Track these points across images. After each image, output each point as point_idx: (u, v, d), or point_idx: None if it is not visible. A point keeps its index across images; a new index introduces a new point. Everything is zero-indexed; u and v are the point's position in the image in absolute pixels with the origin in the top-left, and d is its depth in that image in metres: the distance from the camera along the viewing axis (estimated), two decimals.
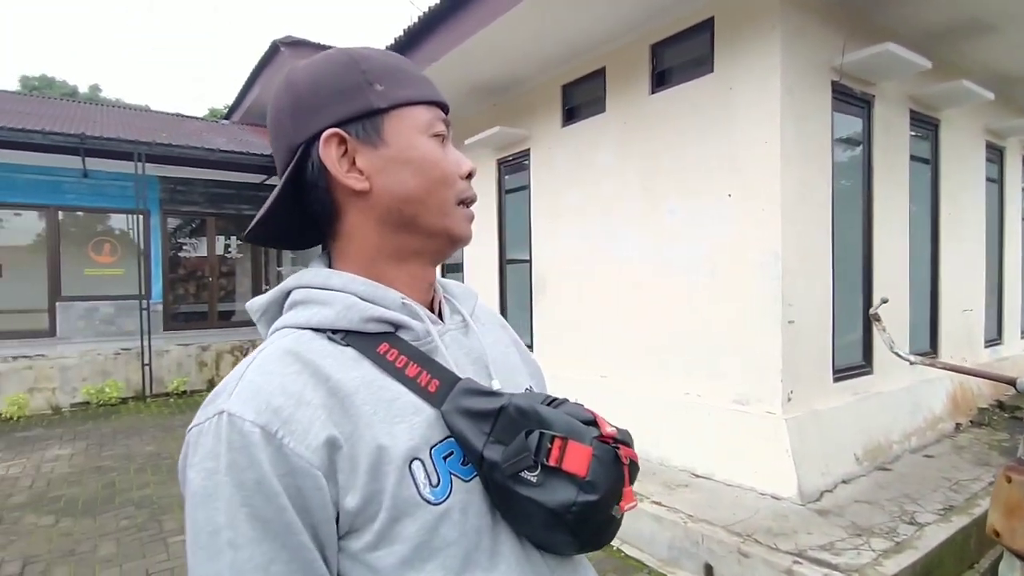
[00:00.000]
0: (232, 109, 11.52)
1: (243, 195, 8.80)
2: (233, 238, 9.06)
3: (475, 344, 0.71)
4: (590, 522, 0.58)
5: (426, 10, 4.60)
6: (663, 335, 4.08)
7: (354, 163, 0.62)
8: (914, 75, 3.98)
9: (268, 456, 0.50)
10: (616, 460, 0.59)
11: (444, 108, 0.68)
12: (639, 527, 3.12)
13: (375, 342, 0.61)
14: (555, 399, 0.63)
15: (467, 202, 0.68)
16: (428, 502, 0.55)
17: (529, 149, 5.39)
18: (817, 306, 3.61)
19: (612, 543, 3.15)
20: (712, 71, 3.73)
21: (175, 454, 5.09)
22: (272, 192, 0.64)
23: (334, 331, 0.61)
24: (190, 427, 0.55)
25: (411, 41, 4.86)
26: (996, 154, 5.71)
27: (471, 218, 0.70)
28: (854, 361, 3.98)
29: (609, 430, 0.61)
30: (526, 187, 5.47)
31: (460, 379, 0.62)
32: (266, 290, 0.76)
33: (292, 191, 0.64)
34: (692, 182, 3.87)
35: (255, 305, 0.68)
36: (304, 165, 0.63)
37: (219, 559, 0.49)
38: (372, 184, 0.63)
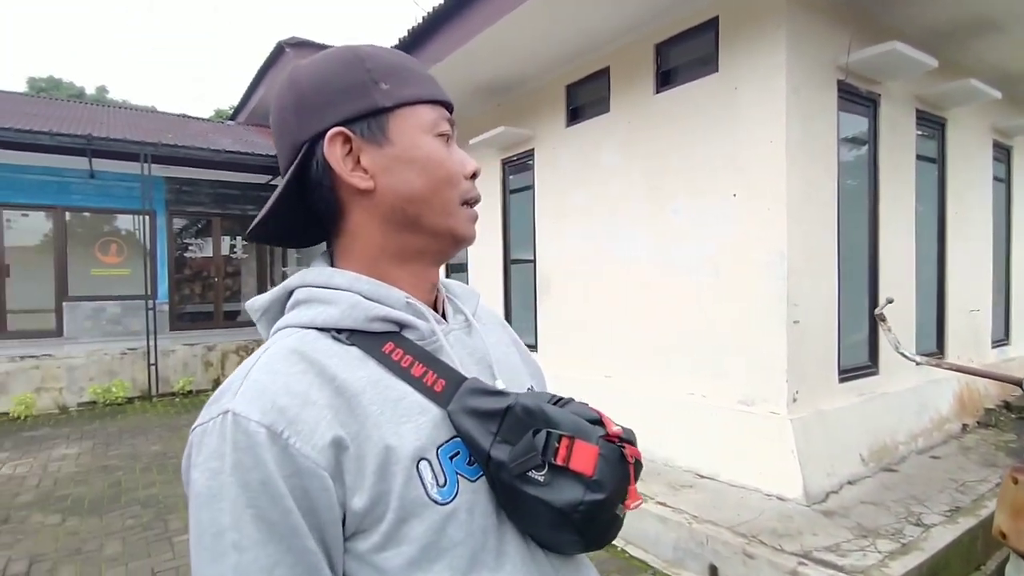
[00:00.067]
0: (237, 110, 11.56)
1: (248, 195, 8.83)
2: (238, 238, 9.10)
3: (478, 344, 0.71)
4: (596, 521, 0.58)
5: (430, 10, 4.61)
6: (668, 335, 4.07)
7: (358, 162, 0.62)
8: (921, 74, 3.96)
9: (273, 456, 0.50)
10: (622, 459, 0.59)
11: (449, 107, 0.68)
12: (644, 528, 3.11)
13: (380, 341, 0.61)
14: (561, 398, 0.63)
15: (471, 202, 0.68)
16: (435, 502, 0.55)
17: (533, 149, 5.39)
18: (823, 306, 3.60)
19: (616, 543, 3.15)
20: (717, 71, 3.72)
21: (181, 453, 5.06)
22: (275, 190, 0.64)
23: (338, 330, 0.60)
24: (194, 426, 0.54)
25: (415, 41, 4.86)
26: (1003, 153, 5.68)
27: (475, 218, 0.69)
28: (860, 361, 3.96)
29: (615, 429, 0.61)
30: (530, 187, 5.47)
31: (466, 379, 0.62)
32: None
33: (296, 189, 0.64)
34: (697, 182, 3.86)
35: (256, 304, 0.67)
36: (308, 163, 0.63)
37: (223, 561, 0.49)
38: (376, 183, 0.62)
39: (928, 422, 4.20)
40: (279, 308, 0.66)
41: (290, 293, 0.65)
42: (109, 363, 7.50)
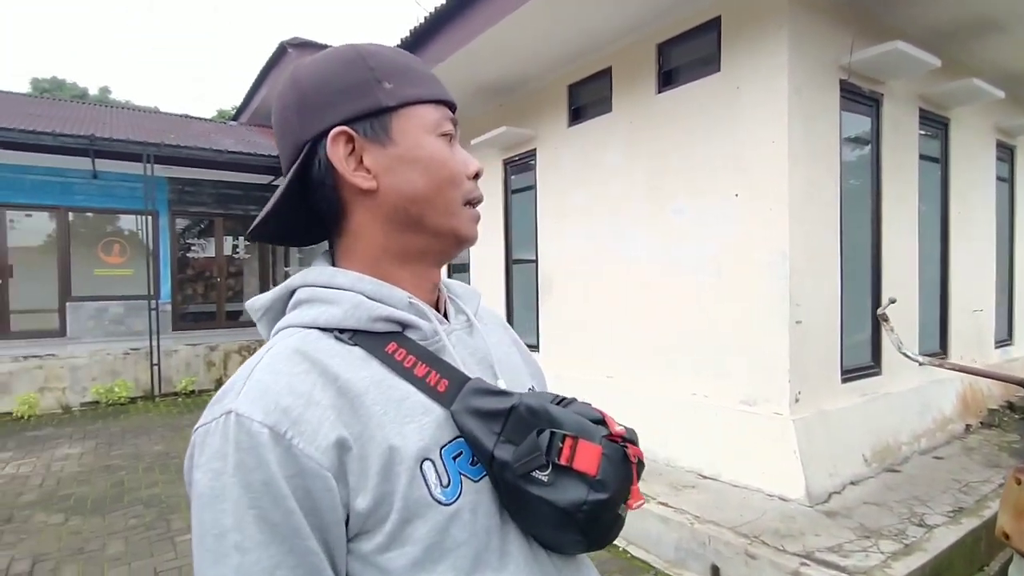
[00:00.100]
0: (240, 110, 11.58)
1: (251, 196, 8.85)
2: (241, 238, 9.11)
3: (480, 344, 0.71)
4: (600, 521, 0.58)
5: (432, 10, 4.61)
6: (670, 335, 4.07)
7: (361, 161, 0.62)
8: (923, 74, 3.95)
9: (277, 457, 0.50)
10: (625, 458, 0.59)
11: (452, 107, 0.68)
12: (646, 528, 3.11)
13: (383, 341, 0.61)
14: (564, 398, 0.63)
15: (474, 202, 0.68)
16: (439, 503, 0.55)
17: (535, 149, 5.39)
18: (825, 306, 3.59)
19: (618, 544, 3.15)
20: (719, 70, 3.72)
21: (183, 453, 5.08)
22: (277, 190, 0.64)
23: (341, 330, 0.60)
24: (196, 427, 0.54)
25: (417, 41, 4.87)
26: (1007, 153, 5.66)
27: (477, 218, 0.69)
28: (862, 362, 3.95)
29: (618, 429, 0.61)
30: (532, 187, 5.47)
31: (469, 379, 0.62)
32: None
33: (298, 189, 0.64)
34: (699, 182, 3.86)
35: (256, 304, 0.67)
36: (310, 162, 0.62)
37: (225, 562, 0.49)
38: (379, 183, 0.62)
39: (931, 422, 4.19)
40: (280, 308, 0.66)
41: (292, 293, 0.65)
42: (112, 363, 7.51)
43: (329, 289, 0.62)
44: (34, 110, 8.29)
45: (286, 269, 9.48)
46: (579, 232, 4.88)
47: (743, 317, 3.59)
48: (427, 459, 0.56)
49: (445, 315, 0.71)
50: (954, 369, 2.25)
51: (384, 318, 0.61)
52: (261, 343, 0.64)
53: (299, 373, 0.55)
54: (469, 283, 0.81)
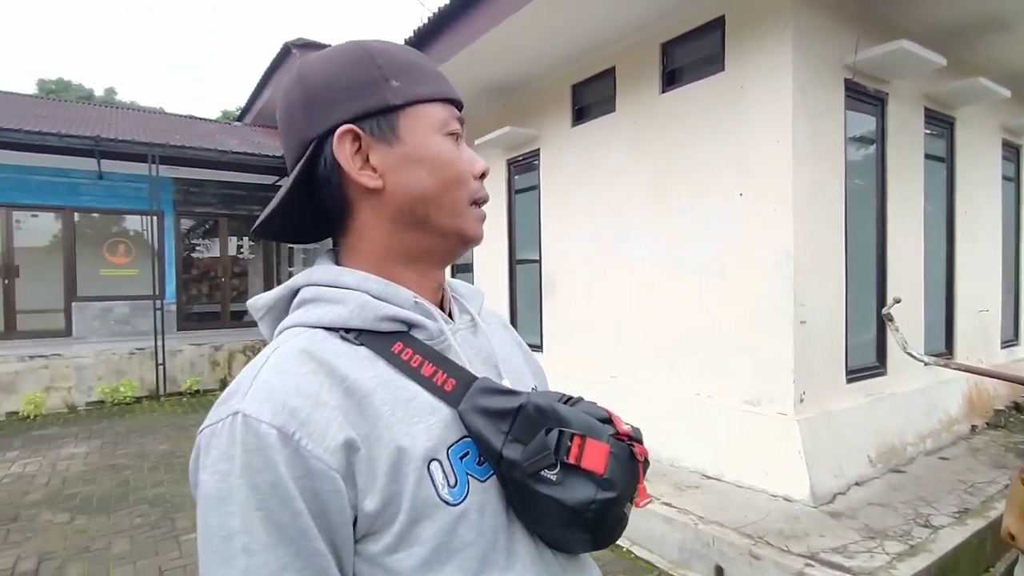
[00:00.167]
0: (244, 111, 11.62)
1: (255, 196, 8.88)
2: (245, 239, 9.15)
3: (484, 344, 0.71)
4: (607, 519, 0.58)
5: (436, 10, 4.62)
6: (674, 335, 4.06)
7: (367, 160, 0.61)
8: (929, 73, 3.93)
9: (284, 458, 0.49)
10: (632, 457, 0.59)
11: (458, 105, 0.67)
12: (649, 528, 3.11)
13: (389, 341, 0.60)
14: (571, 397, 0.63)
15: (480, 202, 0.68)
16: (447, 503, 0.55)
17: (539, 149, 5.39)
18: (830, 306, 3.58)
19: (622, 544, 3.15)
20: (723, 70, 3.71)
21: (188, 453, 5.09)
22: (282, 187, 0.63)
23: (347, 330, 0.60)
24: (202, 428, 0.53)
25: (421, 41, 4.87)
26: (1013, 152, 5.63)
27: (483, 218, 0.69)
28: (867, 362, 3.94)
29: (625, 428, 0.61)
30: (536, 187, 5.47)
31: (476, 378, 0.61)
32: None
33: (303, 186, 0.63)
34: (703, 182, 3.85)
35: (259, 303, 0.66)
36: (316, 160, 0.62)
37: (233, 564, 0.48)
38: (385, 182, 0.62)
39: (937, 423, 4.17)
40: (283, 307, 0.65)
41: (295, 292, 0.64)
42: (117, 363, 7.55)
43: (335, 288, 0.62)
44: (40, 111, 8.34)
45: (290, 269, 9.50)
46: (583, 232, 4.88)
47: (747, 317, 3.58)
48: (434, 459, 0.56)
49: (450, 315, 0.71)
50: (960, 369, 2.24)
51: (390, 318, 0.61)
52: (265, 343, 0.64)
53: (306, 373, 0.54)
54: (473, 283, 0.82)
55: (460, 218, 0.65)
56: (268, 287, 9.09)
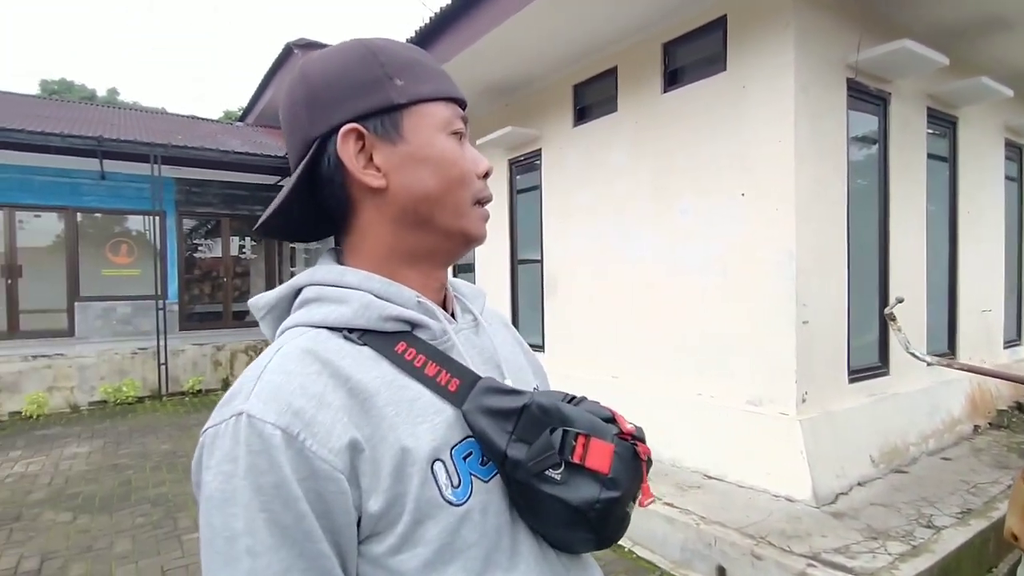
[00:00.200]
0: (246, 111, 11.65)
1: (257, 196, 8.89)
2: (247, 239, 9.16)
3: (486, 343, 0.70)
4: (611, 519, 0.58)
5: (437, 10, 4.62)
6: (676, 335, 4.06)
7: (371, 159, 0.61)
8: (931, 72, 3.93)
9: (289, 459, 0.49)
10: (635, 456, 0.59)
11: (462, 104, 0.67)
12: (651, 528, 3.11)
13: (392, 341, 0.60)
14: (574, 397, 0.63)
15: (483, 202, 0.67)
16: (450, 503, 0.55)
17: (540, 149, 5.39)
18: (832, 306, 3.57)
19: (624, 544, 3.15)
20: (725, 69, 3.71)
21: (190, 452, 5.11)
22: (285, 186, 0.63)
23: (350, 330, 0.59)
24: (205, 428, 0.53)
25: (422, 41, 4.87)
26: (1015, 152, 5.62)
27: (486, 218, 0.68)
28: (870, 362, 3.93)
29: (628, 427, 0.61)
30: (537, 187, 5.47)
31: (480, 378, 0.61)
32: None
33: (306, 185, 0.63)
34: (705, 181, 3.85)
35: (260, 302, 0.65)
36: (320, 159, 0.62)
37: (236, 566, 0.48)
38: (389, 181, 0.61)
39: (939, 423, 4.16)
40: (285, 307, 0.65)
41: (297, 292, 0.64)
42: (120, 362, 7.56)
43: (338, 288, 0.62)
44: (43, 111, 8.37)
45: (292, 269, 9.51)
46: (584, 232, 4.88)
47: (749, 317, 3.58)
48: (438, 460, 0.56)
49: (452, 315, 0.71)
50: (963, 369, 2.23)
51: (394, 317, 0.61)
52: (267, 343, 0.63)
53: (311, 374, 0.54)
54: (474, 283, 0.82)
55: (464, 218, 0.65)
56: (270, 287, 9.09)
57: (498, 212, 5.86)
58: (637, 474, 0.59)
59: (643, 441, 0.62)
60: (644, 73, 4.29)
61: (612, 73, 4.59)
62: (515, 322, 5.73)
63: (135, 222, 8.28)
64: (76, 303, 7.73)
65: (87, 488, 4.33)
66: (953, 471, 3.61)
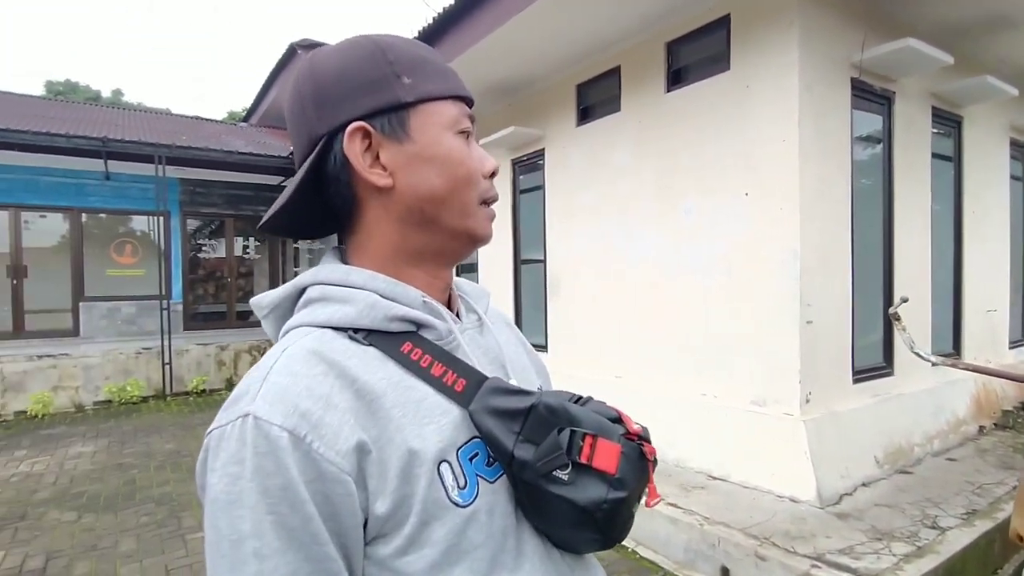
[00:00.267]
0: (250, 111, 11.67)
1: (261, 196, 8.90)
2: (251, 239, 9.19)
3: (491, 343, 0.70)
4: (617, 519, 0.58)
5: (441, 10, 4.62)
6: (679, 335, 4.06)
7: (377, 158, 0.61)
8: (936, 71, 3.91)
9: (296, 461, 0.49)
10: (642, 456, 0.59)
11: (469, 103, 0.66)
12: (655, 529, 3.10)
13: (398, 341, 0.59)
14: (581, 397, 0.63)
15: (489, 201, 0.67)
16: (456, 505, 0.54)
17: (544, 149, 5.39)
18: (836, 306, 3.56)
19: (627, 544, 3.15)
20: (729, 69, 3.70)
21: (194, 452, 5.17)
22: (290, 183, 0.63)
23: (355, 330, 0.59)
24: (210, 430, 0.53)
25: (425, 42, 4.86)
26: (1021, 151, 5.59)
27: (492, 217, 0.68)
28: (874, 362, 3.92)
29: (635, 427, 0.61)
30: (540, 187, 5.47)
31: (487, 378, 0.61)
32: None
33: (311, 182, 0.62)
34: (709, 181, 3.84)
35: (263, 301, 0.65)
36: (326, 157, 0.61)
37: (243, 569, 0.48)
38: (395, 180, 0.61)
39: (944, 424, 4.15)
40: (288, 306, 0.64)
41: (301, 291, 0.63)
42: (124, 362, 7.59)
43: (342, 288, 0.61)
44: (48, 112, 8.40)
45: (296, 269, 9.53)
46: (587, 232, 4.87)
47: (753, 317, 3.57)
48: (444, 461, 0.55)
49: (457, 315, 0.70)
50: (968, 369, 2.22)
51: (399, 317, 0.60)
52: (271, 343, 0.63)
53: (317, 375, 0.53)
54: (477, 283, 0.82)
55: (470, 218, 0.65)
56: (274, 287, 9.02)
57: (501, 212, 5.86)
58: (643, 474, 0.59)
59: (649, 441, 0.62)
60: (647, 73, 4.28)
61: (615, 73, 4.58)
62: (518, 322, 5.73)
63: (139, 222, 8.31)
64: (81, 303, 7.76)
65: (92, 487, 4.35)
66: (958, 472, 3.60)
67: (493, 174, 0.67)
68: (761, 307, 3.52)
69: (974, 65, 4.44)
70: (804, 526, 2.86)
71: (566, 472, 0.56)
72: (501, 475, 0.59)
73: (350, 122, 0.59)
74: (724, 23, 3.73)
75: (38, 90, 26.27)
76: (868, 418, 3.63)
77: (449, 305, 0.70)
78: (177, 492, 4.20)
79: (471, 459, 0.58)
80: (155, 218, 7.79)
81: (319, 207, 0.66)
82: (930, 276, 4.34)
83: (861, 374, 3.75)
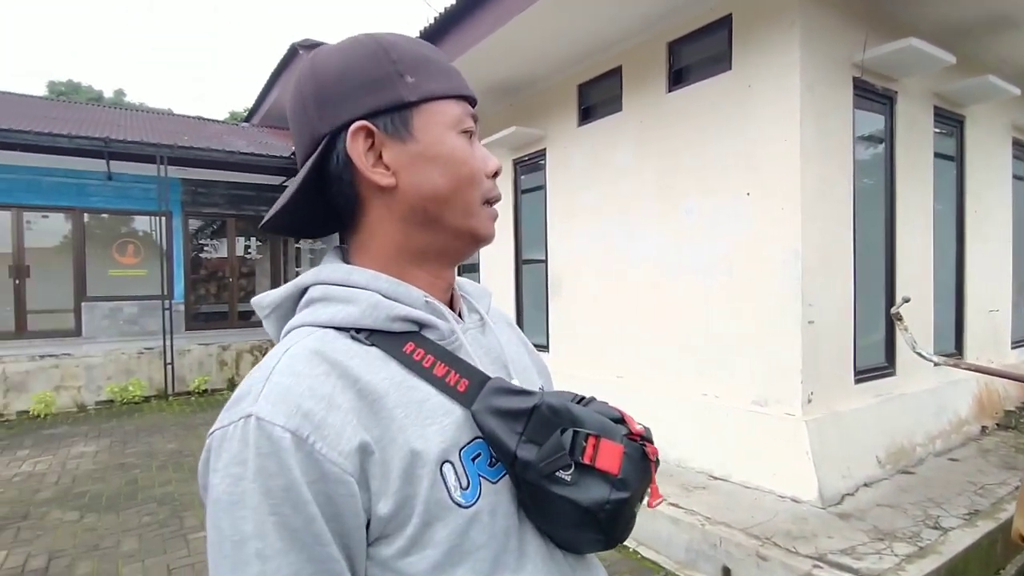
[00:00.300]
0: (252, 112, 11.69)
1: (263, 197, 8.92)
2: (253, 239, 9.20)
3: (493, 343, 0.70)
4: (620, 519, 0.58)
5: (442, 10, 4.62)
6: (680, 335, 4.05)
7: (380, 157, 0.60)
8: (938, 71, 3.90)
9: (298, 462, 0.49)
10: (644, 457, 0.59)
11: (472, 102, 0.66)
12: (656, 529, 3.10)
13: (400, 341, 0.59)
14: (583, 397, 0.63)
15: (492, 201, 0.67)
16: (459, 505, 0.54)
17: (545, 149, 5.38)
18: (838, 306, 3.56)
19: (628, 544, 3.15)
20: (730, 68, 3.70)
21: (196, 452, 5.17)
22: (293, 182, 0.62)
23: (357, 330, 0.59)
24: (212, 430, 0.52)
25: (427, 41, 4.87)
26: (1023, 151, 5.58)
27: (495, 217, 0.68)
28: (876, 362, 3.91)
29: (637, 428, 0.61)
30: (542, 187, 5.47)
31: (489, 378, 0.61)
32: None
33: (314, 182, 0.62)
34: (710, 181, 3.84)
35: (265, 301, 0.65)
36: (328, 156, 0.61)
37: (245, 570, 0.47)
38: (398, 180, 0.61)
39: (946, 424, 4.14)
40: (290, 306, 0.64)
41: (303, 291, 0.63)
42: (126, 362, 7.60)
43: (345, 287, 0.61)
44: (50, 113, 8.42)
45: (297, 269, 9.54)
46: (589, 232, 4.87)
47: (754, 317, 3.56)
48: (447, 461, 0.55)
49: (459, 314, 0.70)
50: (970, 369, 2.22)
51: (402, 317, 0.60)
52: (272, 343, 0.63)
53: (319, 375, 0.53)
54: (479, 283, 0.82)
55: (473, 218, 0.64)
56: (275, 287, 9.11)
57: (503, 212, 5.86)
58: (646, 475, 0.59)
59: (651, 442, 0.62)
60: (649, 72, 4.28)
61: (617, 73, 4.58)
62: (519, 322, 5.73)
63: (141, 222, 8.33)
64: (83, 303, 7.78)
65: (94, 487, 4.36)
66: (960, 472, 3.59)
67: (496, 174, 0.67)
68: (762, 307, 3.52)
69: (976, 65, 4.43)
70: (806, 526, 2.86)
71: (569, 473, 0.56)
72: (504, 475, 0.59)
73: (352, 121, 0.59)
74: (726, 23, 3.73)
75: (40, 90, 26.33)
76: (870, 418, 3.62)
77: (451, 305, 0.70)
78: (179, 492, 4.21)
79: (473, 459, 0.58)
80: (157, 218, 7.81)
81: (321, 206, 0.65)
82: (932, 276, 4.33)
83: (863, 374, 3.75)
